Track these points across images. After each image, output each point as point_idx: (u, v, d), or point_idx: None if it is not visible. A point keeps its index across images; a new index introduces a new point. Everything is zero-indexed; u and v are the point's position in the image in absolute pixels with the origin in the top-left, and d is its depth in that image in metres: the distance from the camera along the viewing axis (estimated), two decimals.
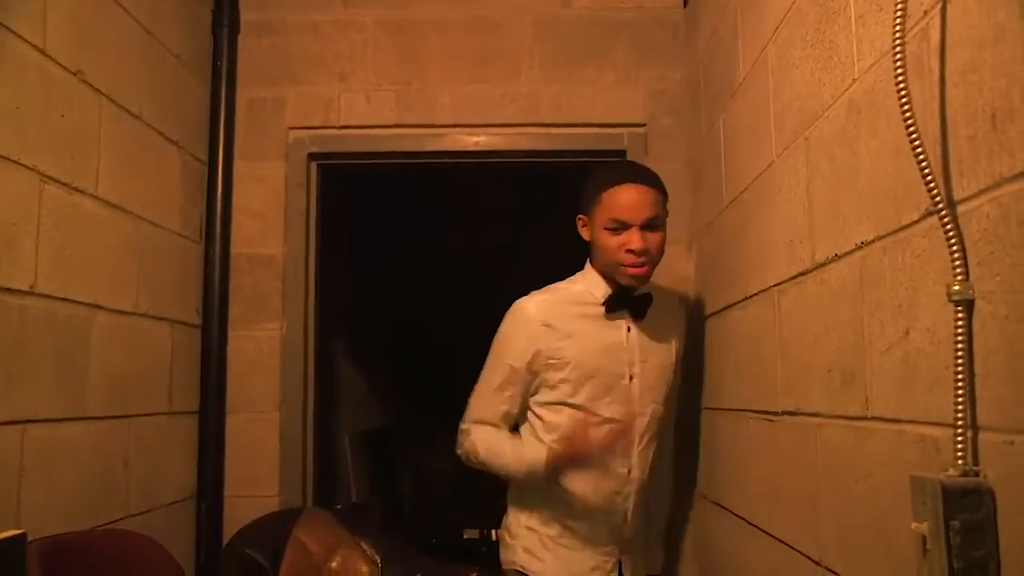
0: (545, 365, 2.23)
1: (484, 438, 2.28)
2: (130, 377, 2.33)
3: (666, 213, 2.24)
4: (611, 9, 3.01)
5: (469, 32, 3.01)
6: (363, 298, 4.99)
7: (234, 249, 2.91)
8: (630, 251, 2.14)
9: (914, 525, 1.05)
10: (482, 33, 3.02)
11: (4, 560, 1.22)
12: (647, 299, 2.27)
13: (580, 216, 2.28)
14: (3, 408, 1.76)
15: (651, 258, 2.17)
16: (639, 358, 2.25)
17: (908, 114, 1.14)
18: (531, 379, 2.26)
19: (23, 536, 1.28)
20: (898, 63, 1.15)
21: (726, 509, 2.29)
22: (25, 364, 1.84)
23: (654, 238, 2.17)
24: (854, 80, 1.44)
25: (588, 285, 2.28)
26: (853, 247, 1.44)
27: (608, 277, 2.25)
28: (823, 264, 1.59)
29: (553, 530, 2.26)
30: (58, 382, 1.97)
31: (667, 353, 2.34)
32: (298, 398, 2.91)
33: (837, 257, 1.52)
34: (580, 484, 2.23)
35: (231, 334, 2.88)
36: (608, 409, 2.21)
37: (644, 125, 2.96)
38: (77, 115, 2.06)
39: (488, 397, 2.30)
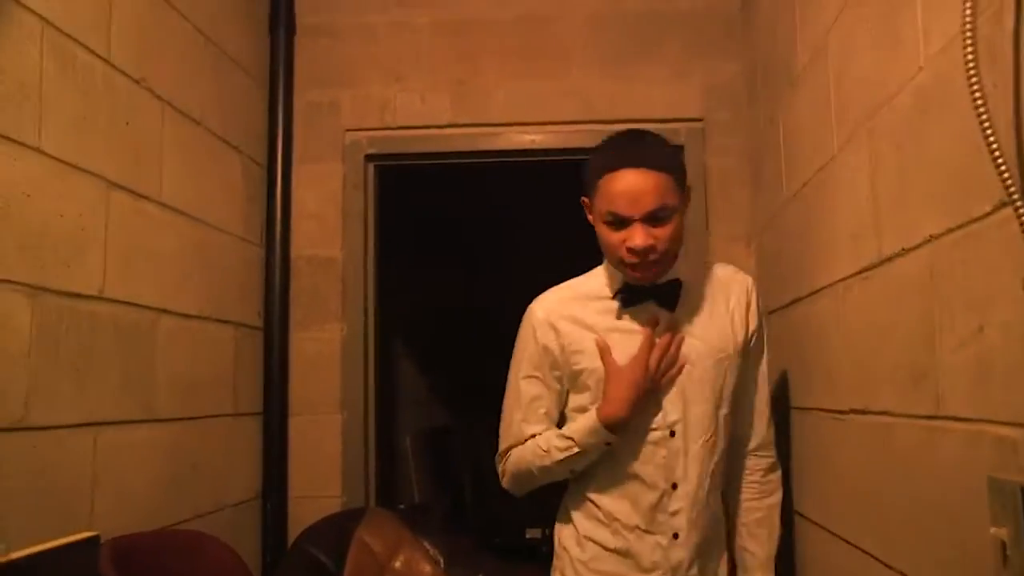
0: (570, 372, 1.92)
1: (524, 447, 1.96)
2: (196, 379, 2.37)
3: (681, 199, 1.81)
4: (664, 2, 2.97)
5: (522, 29, 3.01)
6: (423, 298, 5.02)
7: (294, 251, 2.94)
8: (631, 249, 1.77)
9: (993, 530, 1.01)
10: (535, 30, 3.00)
11: (78, 562, 1.25)
12: (675, 286, 1.89)
13: (583, 198, 1.89)
14: (75, 411, 1.80)
15: (660, 255, 1.77)
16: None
17: (980, 102, 1.09)
18: (560, 388, 1.95)
19: (96, 538, 1.31)
20: (968, 48, 1.11)
21: (795, 511, 2.24)
22: (95, 368, 1.88)
23: (662, 232, 1.76)
24: (920, 68, 1.39)
25: (606, 278, 1.95)
26: (921, 240, 1.40)
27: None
28: (890, 258, 1.54)
29: (586, 553, 1.92)
30: (127, 385, 2.01)
31: (716, 344, 1.90)
32: (359, 399, 2.93)
33: (904, 251, 1.47)
34: (615, 499, 1.89)
35: (292, 336, 2.91)
36: (642, 417, 1.85)
37: (701, 120, 2.92)
38: (141, 122, 2.10)
39: (517, 427, 1.97)
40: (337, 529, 2.55)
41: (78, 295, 1.82)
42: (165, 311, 2.19)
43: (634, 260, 1.78)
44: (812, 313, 2.09)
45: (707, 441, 1.87)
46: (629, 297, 1.90)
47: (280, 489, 2.82)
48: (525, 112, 2.97)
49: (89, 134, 1.87)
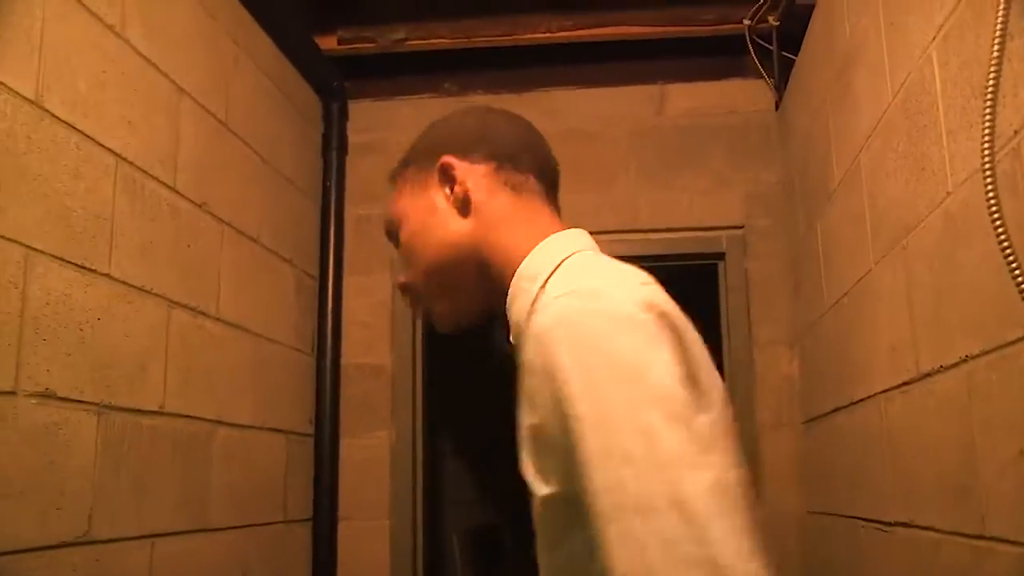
0: None
1: None
2: (248, 488, 2.42)
3: (413, 189, 1.16)
4: (704, 115, 3.07)
5: (566, 144, 3.08)
6: (470, 396, 5.05)
7: (344, 360, 3.02)
8: None
9: None
10: (579, 144, 3.11)
11: None
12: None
13: None
14: (135, 523, 1.86)
15: (414, 290, 1.15)
16: None
17: (1001, 233, 1.14)
18: None
19: None
20: (988, 183, 1.16)
21: None
22: (154, 480, 1.95)
23: (403, 251, 1.16)
24: (948, 193, 1.44)
25: None
26: (958, 359, 1.43)
27: None
28: (928, 375, 1.57)
29: None
30: (184, 496, 2.07)
31: (523, 418, 1.00)
32: (407, 504, 2.96)
33: (942, 369, 1.50)
34: None
35: (342, 442, 2.97)
36: None
37: (742, 227, 2.97)
38: (201, 243, 2.22)
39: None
40: None
41: (140, 411, 1.90)
42: (221, 422, 2.27)
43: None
44: (855, 421, 2.10)
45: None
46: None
47: None
48: (570, 222, 3.04)
49: (154, 258, 1.98)
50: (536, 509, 0.95)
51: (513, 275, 1.02)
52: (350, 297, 3.06)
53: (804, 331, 2.71)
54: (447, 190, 1.08)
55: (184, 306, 2.10)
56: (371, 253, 3.10)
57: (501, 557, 5.23)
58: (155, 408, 1.96)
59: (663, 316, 0.85)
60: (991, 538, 1.32)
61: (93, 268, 1.75)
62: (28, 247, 1.57)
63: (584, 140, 3.10)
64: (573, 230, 1.07)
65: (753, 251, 2.96)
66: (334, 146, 3.08)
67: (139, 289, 1.91)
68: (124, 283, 1.85)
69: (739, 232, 2.98)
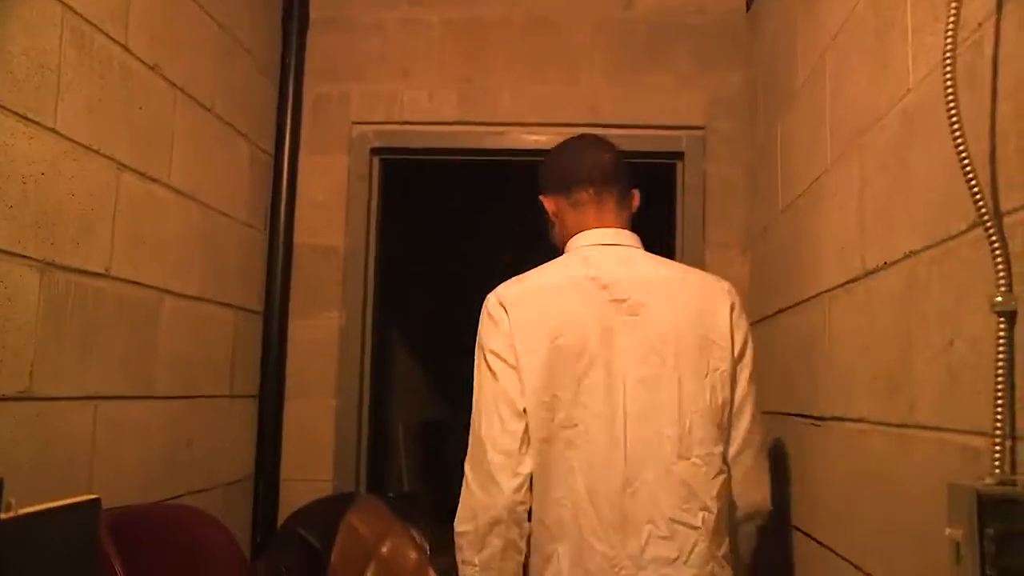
0: None
1: None
2: (195, 360, 2.42)
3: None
4: (673, 12, 3.02)
5: (531, 33, 3.06)
6: (424, 292, 5.07)
7: (297, 239, 3.00)
8: None
9: (948, 531, 1.07)
10: (544, 34, 3.05)
11: (80, 522, 1.31)
12: None
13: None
14: (78, 384, 1.86)
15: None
16: None
17: (956, 125, 1.15)
18: None
19: (97, 501, 1.36)
20: (948, 74, 1.17)
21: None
22: (98, 343, 1.93)
23: None
24: (908, 90, 1.45)
25: None
26: (902, 255, 1.45)
27: None
28: (873, 272, 1.60)
29: None
30: (128, 362, 2.07)
31: None
32: (354, 386, 2.98)
33: (886, 265, 1.53)
34: None
35: (291, 321, 2.96)
36: None
37: (703, 128, 2.97)
38: (153, 107, 2.16)
39: None
40: (327, 512, 2.61)
41: (85, 272, 1.87)
42: (168, 291, 2.25)
43: None
44: (799, 321, 2.14)
45: None
46: None
47: (272, 470, 2.87)
48: (531, 113, 3.02)
49: (103, 117, 1.93)
50: None
51: None
52: (305, 176, 3.02)
53: (758, 235, 2.73)
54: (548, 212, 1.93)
55: (133, 170, 2.06)
56: (329, 133, 3.04)
57: (443, 452, 5.33)
58: (100, 271, 1.94)
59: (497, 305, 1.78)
60: (916, 426, 1.37)
61: (37, 120, 1.69)
62: None
63: (549, 29, 3.05)
64: (584, 233, 1.83)
65: (713, 153, 2.96)
66: (295, 20, 2.99)
67: (86, 148, 1.86)
68: (70, 140, 1.80)
69: (700, 133, 2.97)
